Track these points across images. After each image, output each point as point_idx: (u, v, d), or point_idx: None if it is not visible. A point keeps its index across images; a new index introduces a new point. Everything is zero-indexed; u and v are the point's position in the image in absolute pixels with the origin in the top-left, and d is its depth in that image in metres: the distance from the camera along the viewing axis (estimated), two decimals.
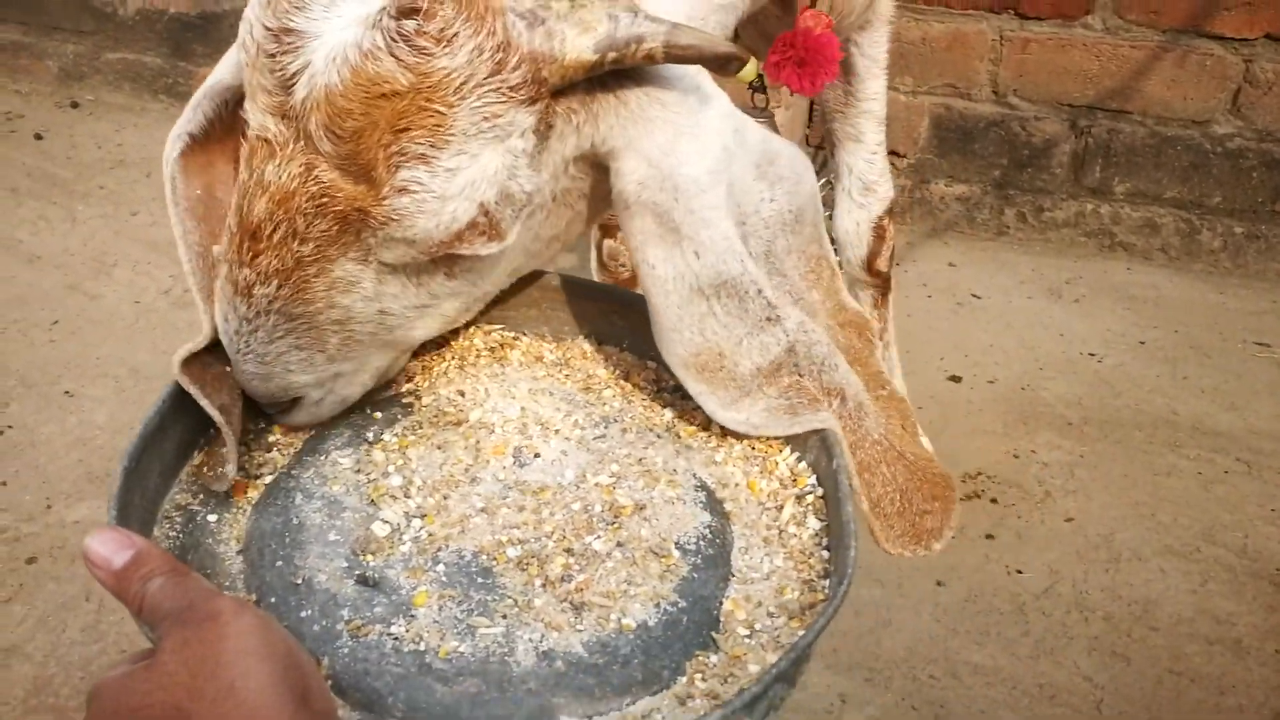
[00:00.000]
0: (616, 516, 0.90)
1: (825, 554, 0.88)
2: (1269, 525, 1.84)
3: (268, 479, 0.93)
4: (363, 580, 0.81)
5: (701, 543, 0.89)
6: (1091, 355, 2.27)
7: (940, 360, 2.24)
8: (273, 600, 0.80)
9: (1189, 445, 2.02)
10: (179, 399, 0.91)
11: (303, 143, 0.80)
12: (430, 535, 0.86)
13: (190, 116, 0.96)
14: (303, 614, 0.79)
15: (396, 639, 0.77)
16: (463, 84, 0.79)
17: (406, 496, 0.89)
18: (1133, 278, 2.52)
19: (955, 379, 2.19)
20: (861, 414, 0.93)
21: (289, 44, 0.79)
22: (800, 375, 0.93)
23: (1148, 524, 1.84)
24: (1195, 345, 2.30)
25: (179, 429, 0.93)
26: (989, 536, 1.80)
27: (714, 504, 0.92)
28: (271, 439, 0.97)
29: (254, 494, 0.91)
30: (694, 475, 0.94)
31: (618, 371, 1.07)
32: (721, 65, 0.88)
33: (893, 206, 1.69)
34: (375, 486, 0.90)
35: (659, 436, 0.98)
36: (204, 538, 0.87)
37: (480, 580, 0.83)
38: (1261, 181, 2.43)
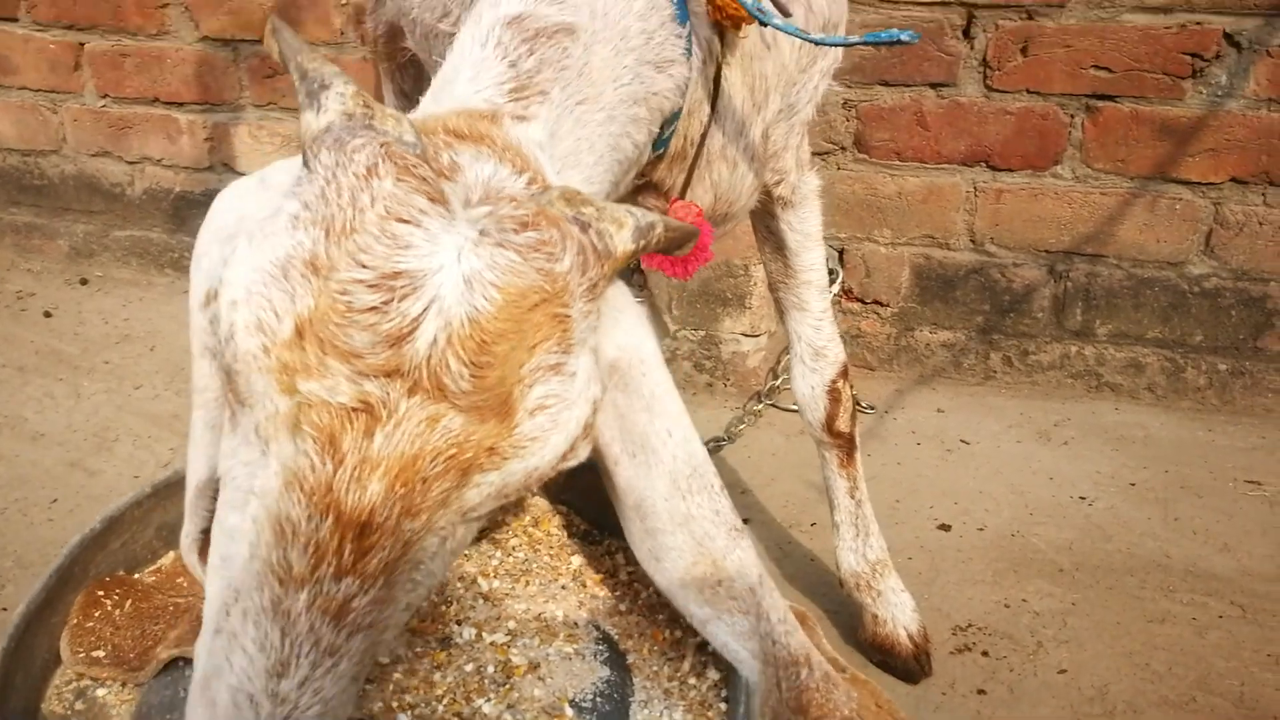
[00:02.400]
0: (509, 677, 0.90)
1: (724, 706, 0.88)
2: (1266, 672, 1.81)
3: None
4: None
5: (599, 699, 0.89)
6: (1082, 499, 2.27)
7: (930, 509, 2.24)
8: None
9: (1182, 590, 2.00)
10: (68, 574, 0.93)
11: (421, 395, 0.75)
12: None
13: (193, 519, 0.96)
14: None
15: None
16: (575, 286, 0.81)
17: None
18: (1121, 418, 2.53)
19: (945, 527, 2.18)
20: (830, 684, 0.91)
21: (403, 288, 0.74)
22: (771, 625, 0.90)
23: (1142, 674, 1.82)
24: (1186, 485, 2.30)
25: (69, 600, 0.94)
26: (981, 692, 1.78)
27: (615, 657, 0.92)
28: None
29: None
30: (596, 627, 0.95)
31: (527, 519, 1.07)
32: (689, 240, 0.93)
33: (845, 369, 1.72)
34: None
35: (563, 588, 0.99)
36: (93, 714, 0.88)
37: None
38: (1241, 319, 2.46)
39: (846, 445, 1.77)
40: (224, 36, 2.91)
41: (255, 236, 0.79)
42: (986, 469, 2.37)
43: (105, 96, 3.08)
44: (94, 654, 0.95)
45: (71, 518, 2.22)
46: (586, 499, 1.09)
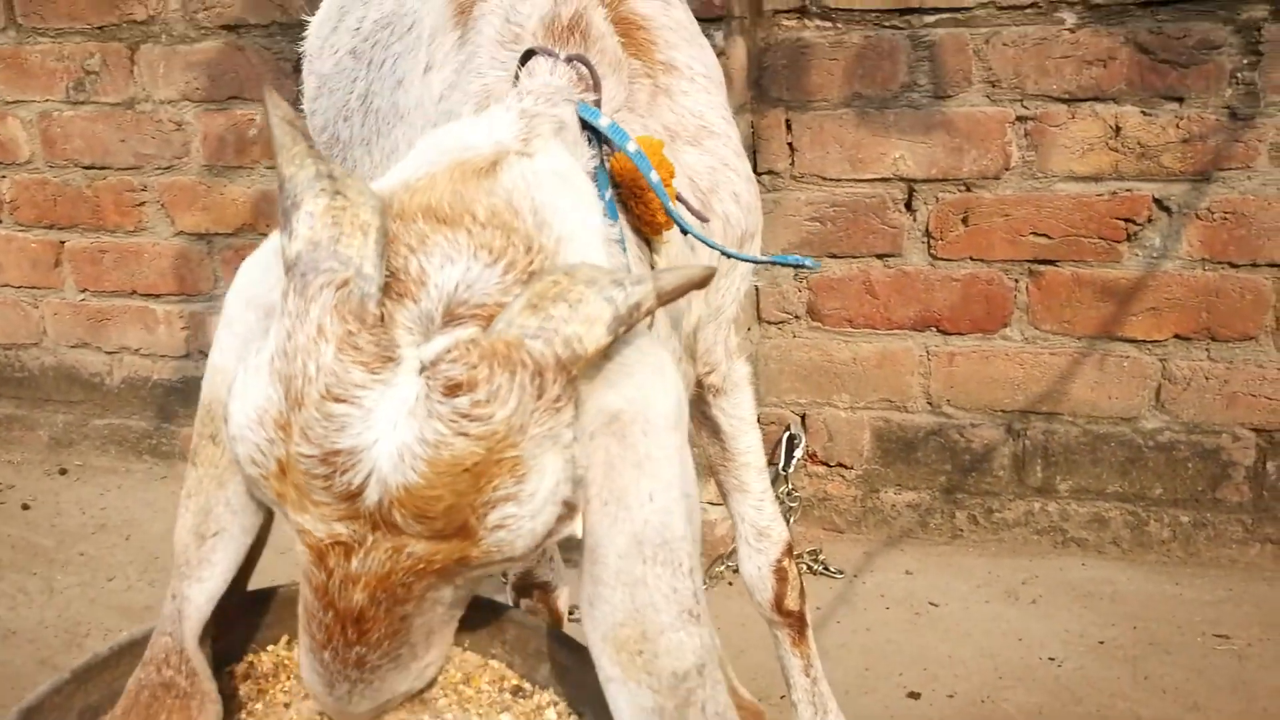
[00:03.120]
0: None
1: None
2: None
3: None
4: None
5: None
6: (1051, 660, 2.26)
7: (899, 676, 2.24)
8: None
9: None
10: None
11: (383, 531, 0.83)
12: None
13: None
14: None
15: None
16: (523, 423, 0.83)
17: None
18: (1088, 573, 2.55)
19: (914, 695, 2.18)
20: None
21: (343, 463, 0.81)
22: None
23: None
24: (1154, 642, 2.30)
25: None
26: None
27: None
28: None
29: None
30: None
31: (458, 675, 1.05)
32: (705, 282, 0.95)
33: (790, 548, 1.74)
34: None
35: None
36: None
37: None
38: (1198, 471, 2.50)
39: (797, 624, 1.78)
40: (198, 231, 3.02)
41: (249, 370, 0.86)
42: (956, 632, 2.37)
43: (85, 291, 3.17)
44: None
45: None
46: (517, 652, 1.08)
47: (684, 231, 1.22)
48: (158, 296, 3.12)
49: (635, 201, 1.19)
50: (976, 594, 2.49)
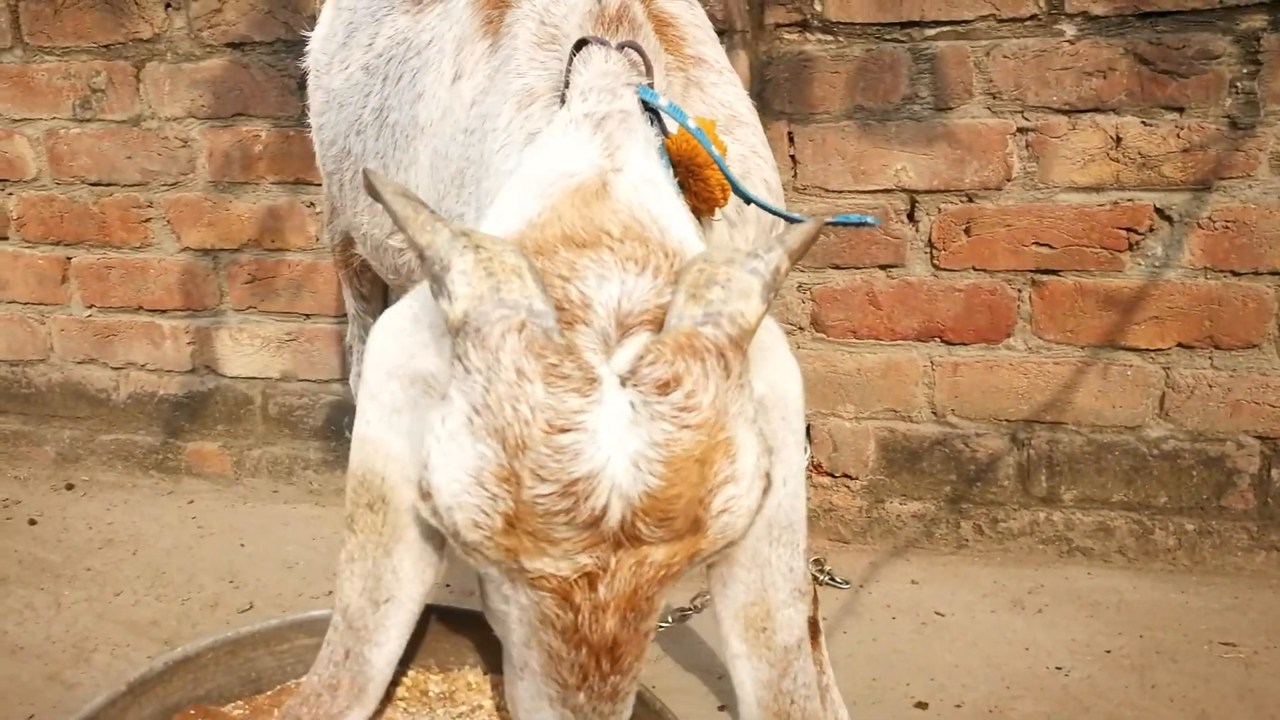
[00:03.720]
0: None
1: None
2: None
3: None
4: None
5: None
6: (1058, 669, 2.26)
7: (906, 686, 2.24)
8: None
9: None
10: None
11: (626, 548, 0.87)
12: None
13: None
14: None
15: None
16: (725, 405, 0.89)
17: None
18: (1094, 582, 2.55)
19: (922, 705, 2.18)
20: None
21: (584, 490, 0.85)
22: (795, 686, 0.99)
23: None
24: (1161, 650, 2.30)
25: None
26: None
27: None
28: None
29: None
30: None
31: (503, 700, 1.07)
32: (817, 238, 1.01)
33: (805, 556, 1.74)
34: None
35: None
36: None
37: None
38: (1202, 479, 2.50)
39: (811, 630, 1.78)
40: (204, 247, 3.03)
41: (443, 439, 0.88)
42: (962, 641, 2.37)
43: (91, 307, 3.19)
44: None
45: None
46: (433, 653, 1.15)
47: (747, 200, 1.26)
48: (164, 312, 3.13)
49: (693, 179, 1.22)
50: (983, 604, 2.50)
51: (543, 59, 1.35)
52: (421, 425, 0.96)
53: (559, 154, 1.13)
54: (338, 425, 3.10)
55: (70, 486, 3.29)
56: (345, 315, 2.94)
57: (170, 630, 2.56)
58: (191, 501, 3.17)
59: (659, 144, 1.20)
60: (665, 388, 0.87)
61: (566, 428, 0.85)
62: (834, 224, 1.23)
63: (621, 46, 1.25)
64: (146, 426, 3.26)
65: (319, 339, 3.04)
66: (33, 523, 3.09)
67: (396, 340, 0.99)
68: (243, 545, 2.92)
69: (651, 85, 1.25)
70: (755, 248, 0.97)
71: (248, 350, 3.10)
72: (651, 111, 1.22)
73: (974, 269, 2.51)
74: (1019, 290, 2.50)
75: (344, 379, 3.04)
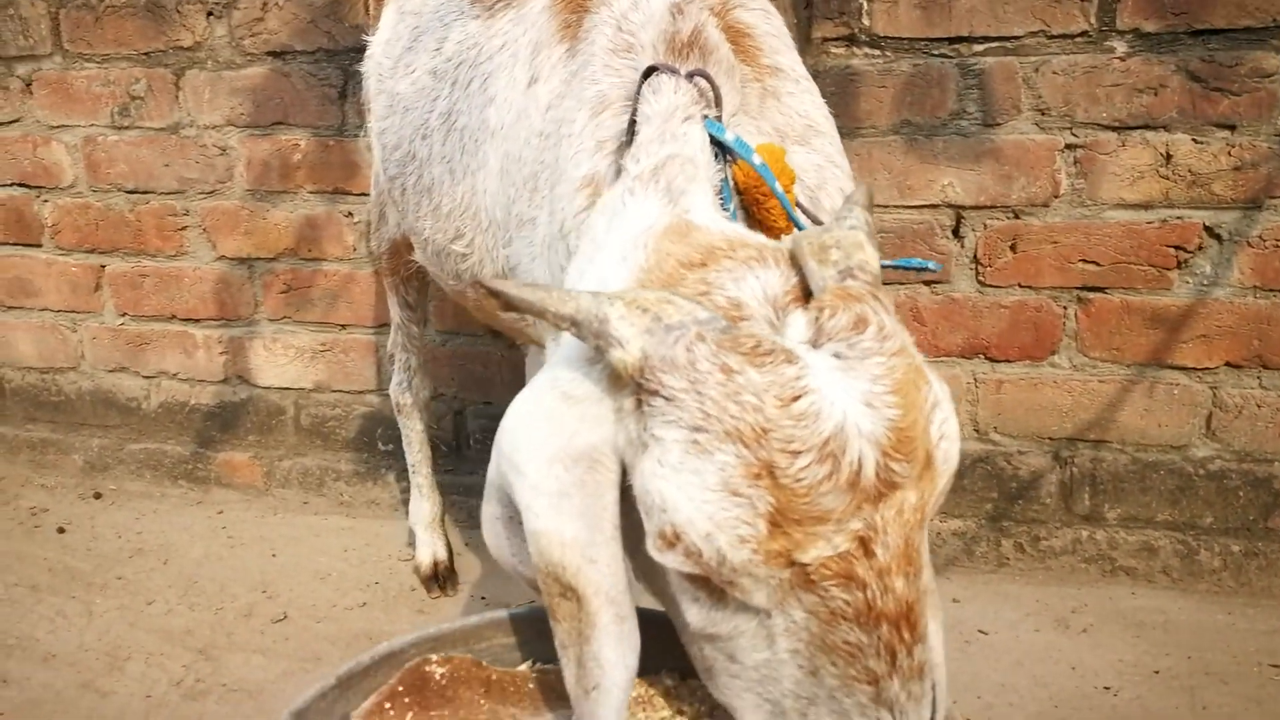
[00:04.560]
0: None
1: None
2: None
3: None
4: None
5: None
6: (1106, 689, 2.24)
7: (954, 704, 2.20)
8: None
9: None
10: None
11: (885, 499, 0.87)
12: None
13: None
14: None
15: None
16: (904, 335, 0.92)
17: None
18: (1138, 602, 2.52)
19: None
20: None
21: (837, 446, 0.86)
22: None
23: None
24: (1210, 671, 2.28)
25: None
26: None
27: None
28: None
29: None
30: None
31: (703, 708, 1.08)
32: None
33: None
34: None
35: None
36: None
37: None
38: (1249, 500, 2.48)
39: None
40: (240, 256, 3.02)
41: (671, 480, 0.88)
42: (1007, 660, 2.35)
43: (124, 315, 3.18)
44: None
45: None
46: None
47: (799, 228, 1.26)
48: (197, 321, 3.12)
49: (757, 208, 1.24)
50: (1026, 622, 2.47)
51: (618, 66, 1.36)
52: (593, 504, 0.96)
53: (630, 214, 1.16)
54: (370, 437, 3.09)
55: (98, 495, 3.27)
56: (381, 326, 2.93)
57: (204, 639, 2.54)
58: (221, 512, 3.15)
59: (721, 179, 1.23)
60: (858, 327, 0.90)
61: (797, 394, 0.86)
62: (893, 267, 1.25)
63: (691, 75, 1.26)
64: (176, 436, 3.25)
65: (354, 350, 3.02)
66: (61, 531, 3.07)
67: (550, 423, 0.98)
68: (274, 556, 2.90)
69: (719, 117, 1.26)
70: (836, 216, 1.04)
71: (281, 360, 3.08)
72: (719, 144, 1.24)
73: (1019, 285, 2.50)
74: (1065, 307, 2.48)
75: (379, 390, 3.03)
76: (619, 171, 1.28)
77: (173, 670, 2.43)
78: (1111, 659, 2.33)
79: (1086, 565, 2.62)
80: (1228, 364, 2.43)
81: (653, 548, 0.91)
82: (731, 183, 1.22)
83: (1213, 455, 2.49)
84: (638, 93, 1.28)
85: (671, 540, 0.88)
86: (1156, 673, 2.29)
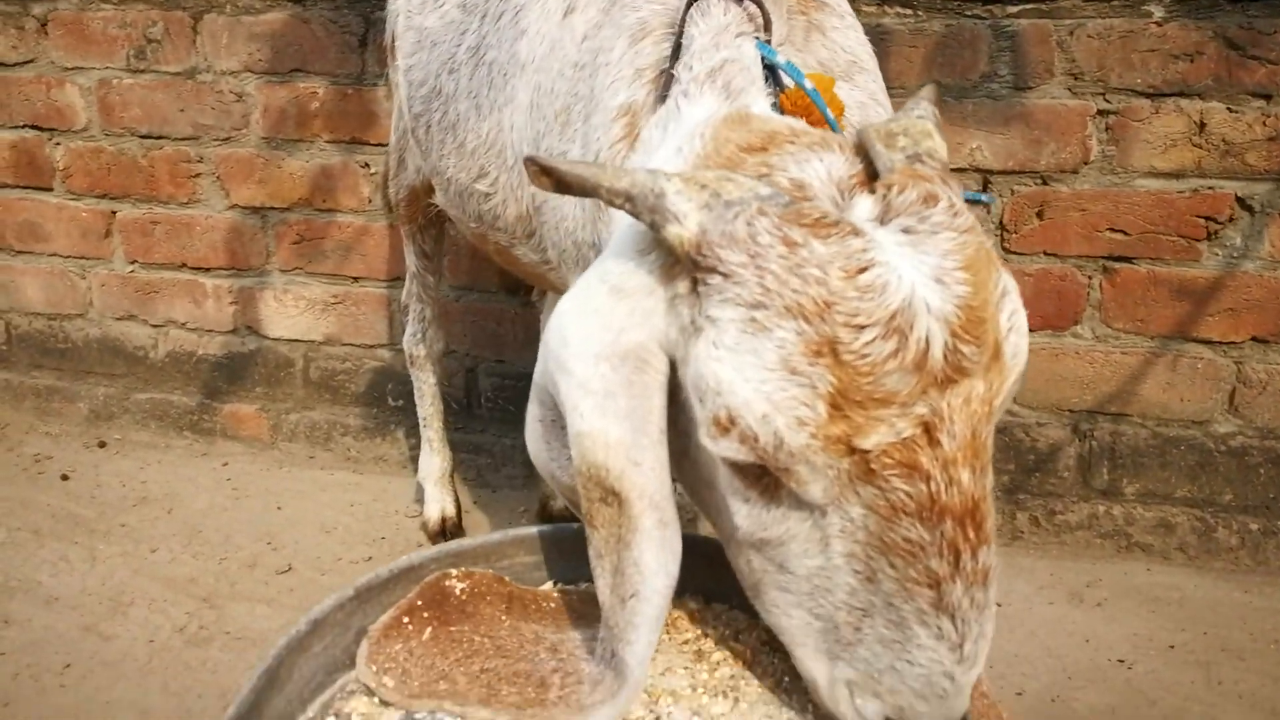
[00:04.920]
0: None
1: None
2: None
3: None
4: None
5: None
6: (1121, 662, 2.21)
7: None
8: None
9: None
10: (274, 675, 0.92)
11: (951, 389, 0.83)
12: None
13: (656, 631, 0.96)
14: None
15: None
16: (973, 219, 0.89)
17: None
18: (1154, 579, 2.49)
19: (983, 695, 2.12)
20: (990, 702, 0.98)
21: (904, 321, 0.82)
22: None
23: None
24: (1226, 648, 2.25)
25: (276, 704, 0.93)
26: None
27: None
28: (367, 710, 0.96)
29: None
30: None
31: (728, 632, 1.05)
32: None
33: None
34: None
35: (777, 704, 0.96)
36: None
37: None
38: (1270, 478, 2.45)
39: None
40: (253, 205, 2.98)
41: (727, 360, 0.85)
42: (1021, 632, 2.32)
43: (134, 262, 3.14)
44: (384, 674, 0.97)
45: (85, 683, 2.16)
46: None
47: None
48: (208, 270, 3.08)
49: None
50: (1040, 595, 2.44)
51: None
52: (639, 405, 0.93)
53: (686, 115, 1.13)
54: (380, 392, 3.05)
55: (103, 444, 3.24)
56: (395, 280, 2.90)
57: (209, 588, 2.51)
58: (226, 464, 3.12)
59: (773, 101, 1.18)
60: (928, 202, 0.86)
61: (863, 266, 0.82)
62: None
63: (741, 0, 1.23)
64: (183, 386, 3.21)
65: (366, 303, 2.99)
66: (65, 478, 3.04)
67: (599, 318, 0.95)
68: (279, 509, 2.87)
69: (769, 40, 1.23)
70: (902, 109, 1.02)
71: (292, 312, 3.05)
72: (768, 68, 1.20)
73: (1045, 253, 2.46)
74: (1090, 277, 2.45)
75: (390, 345, 2.99)
76: (658, 100, 1.24)
77: (176, 617, 2.41)
78: (1126, 633, 2.30)
79: (1102, 541, 2.58)
80: (1254, 338, 2.39)
81: (705, 436, 0.87)
82: (780, 109, 1.18)
83: (1234, 431, 2.46)
84: (682, 19, 1.24)
85: (726, 426, 0.85)
86: (1171, 648, 2.26)
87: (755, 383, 0.82)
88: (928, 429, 0.82)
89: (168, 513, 2.86)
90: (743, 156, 0.96)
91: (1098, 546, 2.59)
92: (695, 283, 0.89)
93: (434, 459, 2.68)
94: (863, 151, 0.95)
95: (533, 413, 1.06)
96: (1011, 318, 0.89)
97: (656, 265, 0.94)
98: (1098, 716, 2.05)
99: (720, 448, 0.87)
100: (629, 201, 0.91)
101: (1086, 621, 2.35)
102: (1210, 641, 2.27)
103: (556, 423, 1.00)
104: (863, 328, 0.81)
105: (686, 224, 0.88)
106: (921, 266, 0.84)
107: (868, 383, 0.81)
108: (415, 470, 2.81)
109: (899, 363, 0.81)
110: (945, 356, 0.82)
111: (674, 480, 0.98)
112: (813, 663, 0.93)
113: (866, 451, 0.83)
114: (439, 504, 2.67)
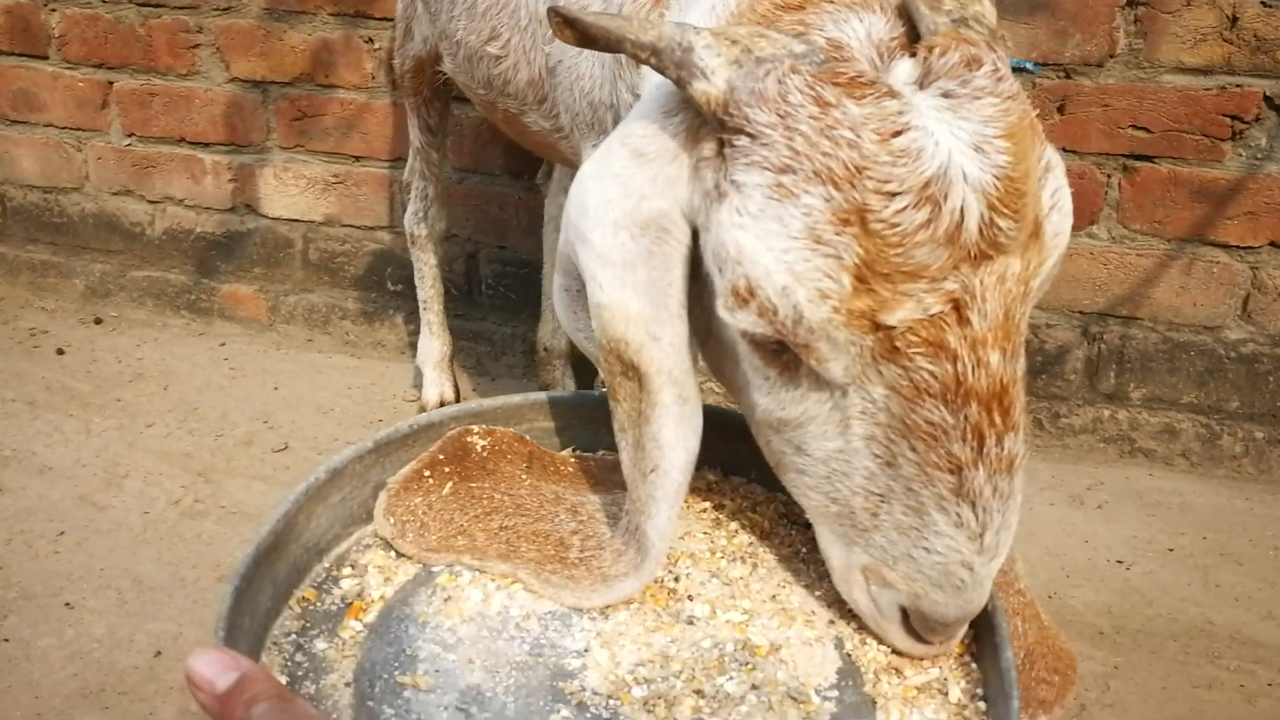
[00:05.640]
0: (751, 656, 0.85)
1: (980, 701, 0.84)
2: None
3: (379, 605, 0.91)
4: (478, 717, 0.78)
5: (842, 690, 0.83)
6: (1119, 563, 2.21)
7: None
8: None
9: (1228, 656, 1.94)
10: (292, 522, 0.90)
11: (985, 262, 0.79)
12: (550, 671, 0.82)
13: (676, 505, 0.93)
14: None
15: None
16: (1013, 82, 0.83)
17: (527, 629, 0.87)
18: (1155, 484, 2.48)
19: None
20: (1013, 558, 0.92)
21: (938, 190, 0.77)
22: None
23: None
24: (1225, 552, 2.24)
25: (293, 550, 0.90)
26: None
27: (854, 649, 0.89)
28: (383, 563, 0.95)
29: (368, 617, 0.89)
30: (832, 616, 0.91)
31: (745, 504, 1.04)
32: None
33: None
34: (497, 617, 0.88)
35: (795, 573, 0.95)
36: (312, 666, 0.83)
37: None
38: (1279, 386, 2.42)
39: None
40: (254, 78, 2.91)
41: (739, 224, 0.81)
42: (1020, 530, 2.29)
43: (131, 135, 3.07)
44: (403, 528, 0.96)
45: (79, 550, 2.16)
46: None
47: None
48: (206, 145, 3.02)
49: None
50: (1040, 496, 2.43)
51: None
52: (660, 277, 0.89)
53: None
54: (380, 276, 3.01)
55: (99, 321, 3.20)
56: (397, 160, 2.84)
57: (204, 463, 2.49)
58: (223, 344, 3.08)
59: None
60: (972, 65, 0.80)
61: (898, 130, 0.77)
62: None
63: None
64: (180, 265, 3.17)
65: (367, 183, 2.93)
66: (60, 353, 3.01)
67: (620, 184, 0.90)
68: (276, 389, 2.85)
69: None
70: None
71: (291, 191, 2.99)
72: None
73: (1064, 150, 2.40)
74: (1109, 175, 2.39)
75: (391, 227, 2.94)
76: None
77: (171, 490, 2.39)
78: (1125, 535, 2.29)
79: (1105, 445, 2.56)
80: (1272, 243, 2.34)
81: (723, 308, 0.84)
82: None
83: (1246, 338, 2.42)
84: None
85: (745, 297, 0.81)
86: (1170, 550, 2.25)
87: (778, 252, 0.78)
88: (957, 306, 0.78)
89: (164, 389, 2.83)
90: (778, 14, 0.91)
91: (1101, 451, 2.57)
92: (721, 145, 0.85)
93: (433, 342, 2.64)
94: (906, 14, 0.89)
95: (558, 282, 1.02)
96: (1055, 195, 0.84)
97: (682, 128, 0.89)
98: (1094, 614, 2.04)
99: (738, 320, 0.83)
100: (655, 55, 0.86)
101: (1086, 523, 2.34)
102: (1209, 546, 2.26)
103: (581, 293, 0.96)
104: (894, 195, 0.77)
105: (714, 80, 0.83)
106: (960, 133, 0.79)
107: (896, 254, 0.77)
108: (414, 356, 2.78)
109: (930, 234, 0.77)
110: (980, 230, 0.78)
111: (697, 358, 0.95)
112: (830, 547, 0.91)
113: (891, 328, 0.79)
114: (438, 388, 2.64)
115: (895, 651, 0.88)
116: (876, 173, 0.77)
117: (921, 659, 0.87)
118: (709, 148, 0.87)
